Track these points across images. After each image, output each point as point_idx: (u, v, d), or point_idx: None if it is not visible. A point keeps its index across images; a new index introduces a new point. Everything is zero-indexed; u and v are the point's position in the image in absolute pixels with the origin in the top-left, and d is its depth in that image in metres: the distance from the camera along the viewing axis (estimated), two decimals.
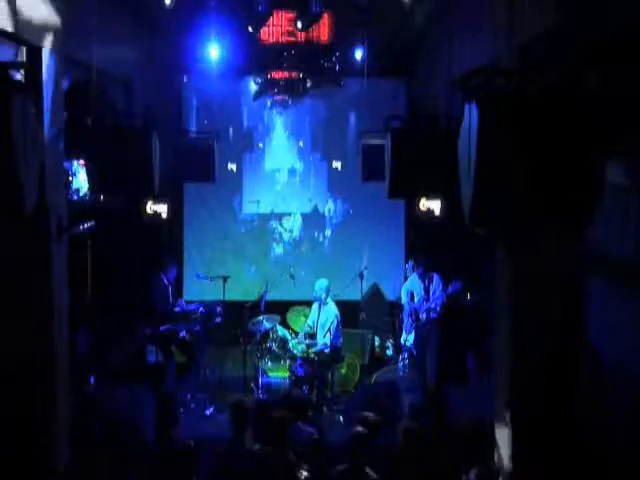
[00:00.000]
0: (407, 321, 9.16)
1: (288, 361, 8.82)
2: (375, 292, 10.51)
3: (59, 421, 5.41)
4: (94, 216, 6.68)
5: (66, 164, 6.03)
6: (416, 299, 8.98)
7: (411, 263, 9.00)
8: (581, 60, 4.08)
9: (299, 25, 8.91)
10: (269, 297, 9.50)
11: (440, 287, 8.86)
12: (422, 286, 8.95)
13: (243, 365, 8.81)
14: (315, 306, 9.23)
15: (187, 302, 9.52)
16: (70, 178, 6.53)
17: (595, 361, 5.02)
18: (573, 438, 5.13)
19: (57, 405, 5.37)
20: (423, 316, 8.84)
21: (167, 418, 5.76)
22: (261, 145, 11.08)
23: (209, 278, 9.36)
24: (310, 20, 8.75)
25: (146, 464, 5.57)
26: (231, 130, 10.63)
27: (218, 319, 9.34)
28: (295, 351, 8.85)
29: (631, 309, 4.57)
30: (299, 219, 11.23)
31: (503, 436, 5.50)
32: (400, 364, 9.49)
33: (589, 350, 5.07)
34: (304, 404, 6.56)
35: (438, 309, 8.81)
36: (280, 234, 11.24)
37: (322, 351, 8.79)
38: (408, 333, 9.30)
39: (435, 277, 8.96)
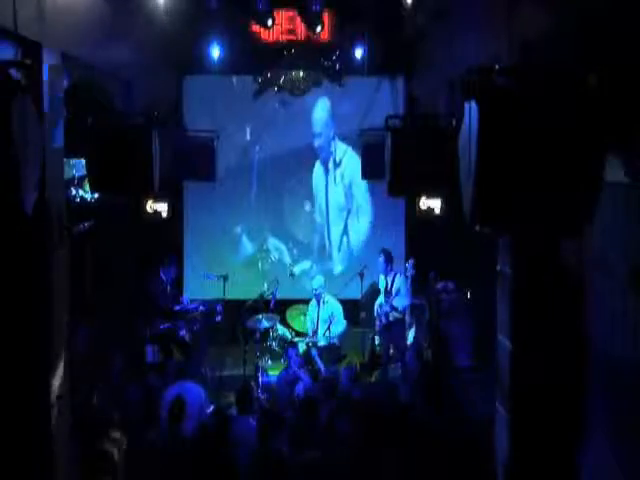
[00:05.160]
0: (378, 323, 9.17)
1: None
2: (375, 291, 10.50)
3: (59, 420, 5.40)
4: (94, 215, 6.69)
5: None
6: (381, 300, 9.01)
7: (412, 262, 9.02)
8: (582, 58, 4.07)
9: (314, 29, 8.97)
10: (268, 296, 9.52)
11: (406, 286, 8.85)
12: (385, 285, 8.99)
13: (243, 364, 8.81)
14: (314, 303, 9.26)
15: (191, 301, 9.54)
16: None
17: (596, 360, 5.02)
18: (573, 436, 5.14)
19: (57, 404, 5.37)
20: (389, 317, 8.87)
21: (178, 415, 5.87)
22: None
23: (216, 277, 9.36)
24: (314, 20, 8.79)
25: (150, 461, 5.62)
26: (231, 129, 10.62)
27: (218, 318, 9.34)
28: None
29: (632, 308, 4.57)
30: None
31: (503, 433, 5.51)
32: (400, 363, 9.50)
33: (591, 348, 5.07)
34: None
35: (403, 309, 8.85)
36: None
37: (324, 348, 8.86)
38: (408, 331, 9.32)
39: (398, 276, 8.97)
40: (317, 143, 10.95)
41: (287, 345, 8.86)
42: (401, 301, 8.86)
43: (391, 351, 9.09)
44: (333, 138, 10.91)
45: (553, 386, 5.17)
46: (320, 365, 8.67)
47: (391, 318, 8.89)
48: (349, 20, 9.65)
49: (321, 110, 10.87)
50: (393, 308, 8.85)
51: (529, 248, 5.16)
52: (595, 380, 4.95)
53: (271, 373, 8.97)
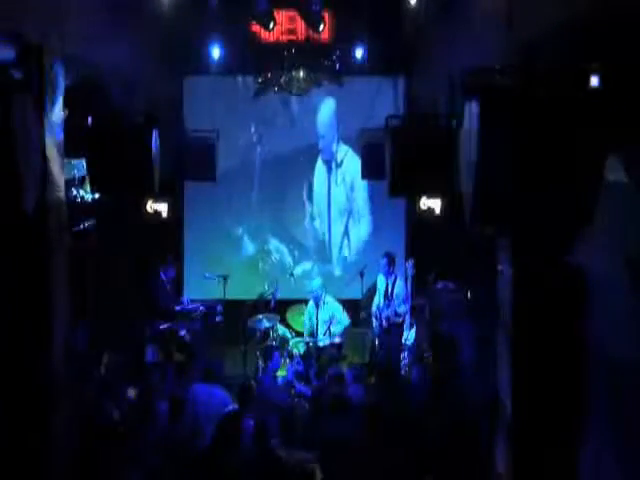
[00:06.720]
0: (375, 323, 9.16)
1: (288, 360, 8.84)
2: (376, 290, 10.51)
3: (59, 420, 5.41)
4: (94, 215, 6.69)
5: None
6: (380, 301, 8.98)
7: (412, 262, 9.02)
8: (582, 58, 4.07)
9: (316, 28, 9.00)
10: (268, 296, 9.52)
11: (406, 290, 8.85)
12: (385, 288, 8.98)
13: (243, 364, 8.80)
14: (311, 305, 9.26)
15: (191, 301, 9.54)
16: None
17: (597, 360, 5.02)
18: (573, 437, 5.14)
19: (57, 404, 5.37)
20: (390, 320, 8.86)
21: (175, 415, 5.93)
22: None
23: (216, 278, 9.36)
24: (315, 19, 8.81)
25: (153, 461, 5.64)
26: (232, 129, 10.61)
27: (218, 318, 9.34)
28: (295, 350, 8.88)
29: (632, 308, 4.57)
30: None
31: (503, 433, 5.51)
32: (401, 363, 9.49)
33: (591, 348, 5.07)
34: None
35: (401, 314, 8.81)
36: None
37: (324, 348, 8.85)
38: (408, 332, 9.32)
39: (398, 280, 8.95)
40: (321, 144, 10.95)
41: (274, 349, 8.83)
42: (403, 306, 8.86)
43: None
44: (337, 141, 10.91)
45: (553, 387, 5.16)
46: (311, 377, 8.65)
47: (391, 321, 8.88)
48: (349, 20, 9.65)
49: (326, 111, 10.87)
50: (396, 314, 8.84)
51: (529, 248, 5.15)
52: (595, 380, 4.96)
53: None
